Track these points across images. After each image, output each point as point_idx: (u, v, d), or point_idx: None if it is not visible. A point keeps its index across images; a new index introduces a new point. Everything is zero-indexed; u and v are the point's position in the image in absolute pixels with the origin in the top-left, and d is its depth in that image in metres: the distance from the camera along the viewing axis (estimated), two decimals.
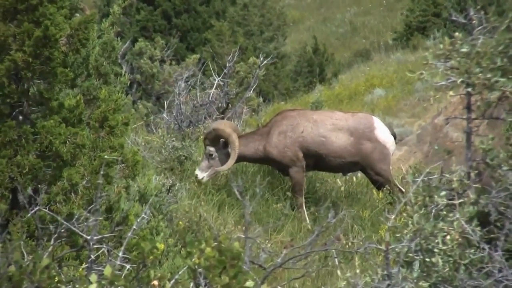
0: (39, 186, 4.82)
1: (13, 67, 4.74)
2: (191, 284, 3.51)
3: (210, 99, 10.54)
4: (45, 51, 4.73)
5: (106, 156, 4.96)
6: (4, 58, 4.74)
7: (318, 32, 36.02)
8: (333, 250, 5.26)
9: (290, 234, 7.73)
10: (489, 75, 4.69)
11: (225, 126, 8.31)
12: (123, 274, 3.50)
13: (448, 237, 4.30)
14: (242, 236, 4.19)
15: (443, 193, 4.54)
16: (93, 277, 3.34)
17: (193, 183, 8.28)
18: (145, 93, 16.63)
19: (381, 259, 5.38)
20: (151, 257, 3.57)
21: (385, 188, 8.35)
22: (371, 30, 36.50)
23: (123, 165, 5.19)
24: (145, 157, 8.57)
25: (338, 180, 9.30)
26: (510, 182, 4.53)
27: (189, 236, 6.76)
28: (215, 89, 10.70)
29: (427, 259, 4.26)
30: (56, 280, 3.45)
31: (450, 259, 4.27)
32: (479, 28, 4.88)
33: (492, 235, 4.45)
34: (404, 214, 4.63)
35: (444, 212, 4.45)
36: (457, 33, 4.81)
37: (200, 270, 3.40)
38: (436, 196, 4.52)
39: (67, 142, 4.86)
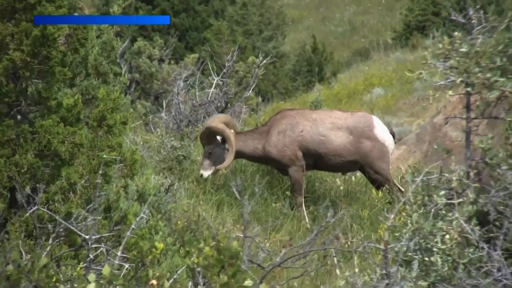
0: (38, 185, 4.81)
1: (11, 66, 4.73)
2: (190, 283, 3.51)
3: (209, 98, 10.51)
4: (43, 51, 4.73)
5: (104, 156, 4.96)
6: (2, 57, 4.73)
7: (317, 32, 36.00)
8: (332, 249, 5.25)
9: (289, 233, 7.72)
10: (488, 75, 4.69)
11: (217, 122, 8.23)
12: (122, 274, 3.50)
13: (447, 236, 4.31)
14: (241, 235, 4.18)
15: (442, 192, 4.54)
16: (92, 276, 3.34)
17: (192, 183, 8.27)
18: (143, 93, 16.62)
19: (380, 258, 5.38)
20: (149, 256, 3.57)
21: (384, 188, 8.35)
22: (370, 30, 36.51)
23: (121, 164, 5.19)
24: (144, 157, 8.55)
25: (337, 179, 9.29)
26: (509, 181, 4.53)
27: (187, 236, 6.77)
28: (214, 88, 10.68)
29: (426, 258, 4.27)
30: (54, 280, 3.45)
31: (449, 258, 4.27)
32: (479, 27, 4.87)
33: (491, 234, 4.45)
34: (403, 214, 4.63)
35: (443, 212, 4.45)
36: (456, 33, 4.80)
37: (198, 269, 3.40)
38: (435, 196, 4.52)
39: (66, 141, 4.86)
